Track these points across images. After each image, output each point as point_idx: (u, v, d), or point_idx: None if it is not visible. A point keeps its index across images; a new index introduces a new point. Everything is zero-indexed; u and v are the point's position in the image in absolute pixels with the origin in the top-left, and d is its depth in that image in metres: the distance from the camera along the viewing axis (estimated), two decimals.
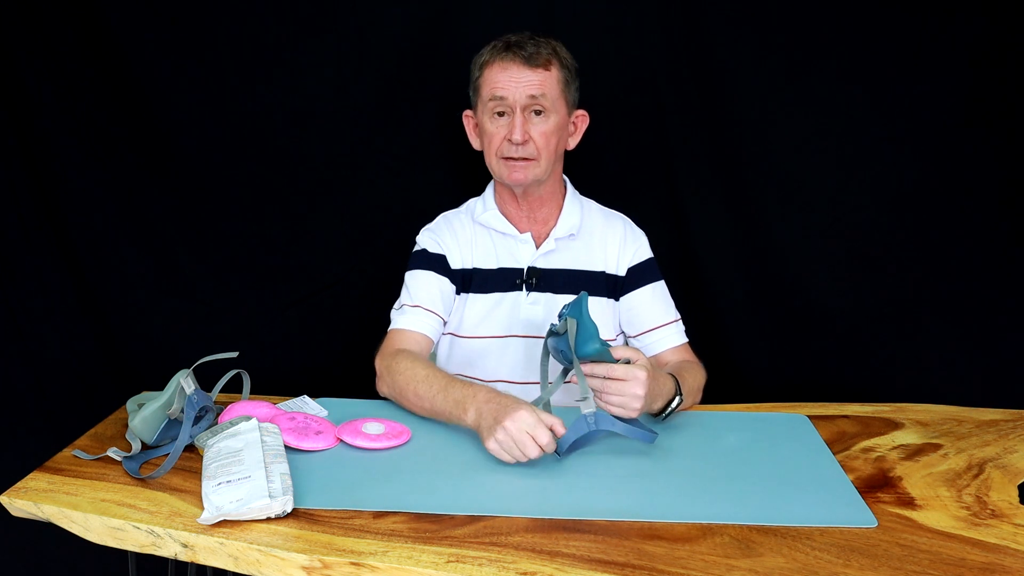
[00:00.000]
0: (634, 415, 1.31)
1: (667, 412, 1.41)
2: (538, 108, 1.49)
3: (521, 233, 1.59)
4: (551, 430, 1.23)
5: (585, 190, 1.68)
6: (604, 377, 1.30)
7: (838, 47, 1.74)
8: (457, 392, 1.36)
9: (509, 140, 1.50)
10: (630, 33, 1.79)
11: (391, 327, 1.57)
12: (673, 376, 1.44)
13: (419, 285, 1.58)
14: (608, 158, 1.83)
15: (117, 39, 1.77)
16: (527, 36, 1.51)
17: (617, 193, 1.73)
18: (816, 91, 1.76)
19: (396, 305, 1.60)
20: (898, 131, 1.76)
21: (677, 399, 1.42)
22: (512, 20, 1.65)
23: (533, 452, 1.23)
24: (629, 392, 1.29)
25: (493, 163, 1.55)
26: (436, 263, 1.60)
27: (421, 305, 1.57)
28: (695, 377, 1.53)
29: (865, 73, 1.74)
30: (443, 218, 1.66)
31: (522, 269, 1.59)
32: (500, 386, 1.48)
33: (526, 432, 1.22)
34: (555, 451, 1.25)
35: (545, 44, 1.50)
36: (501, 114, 1.51)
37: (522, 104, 1.49)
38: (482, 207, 1.63)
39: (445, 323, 1.61)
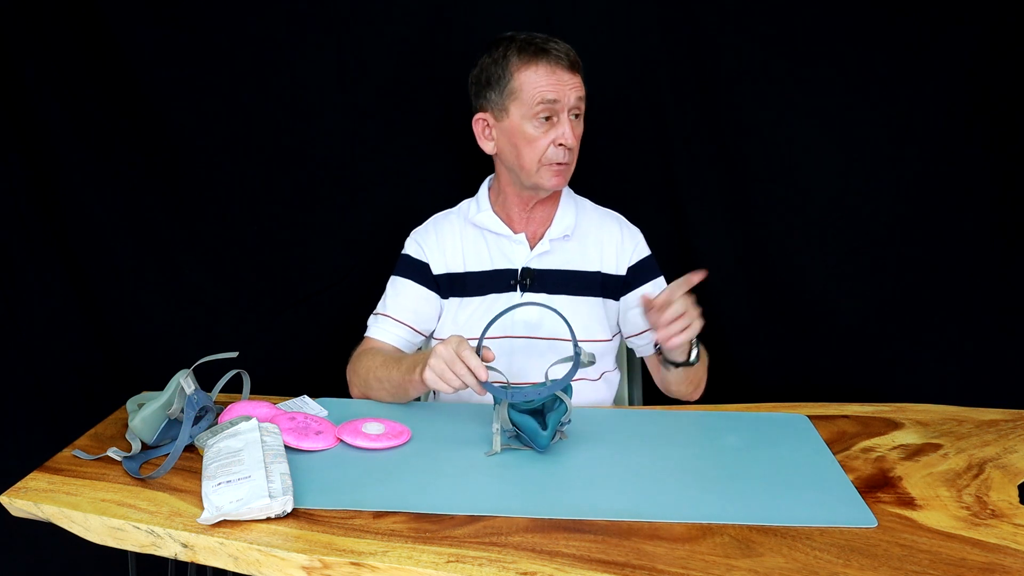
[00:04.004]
0: (699, 326, 1.35)
1: (693, 354, 1.44)
2: (577, 111, 1.50)
3: (515, 233, 1.59)
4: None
5: (585, 190, 1.68)
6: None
7: (839, 47, 1.74)
8: (409, 360, 1.43)
9: (559, 145, 1.48)
10: (630, 32, 1.78)
11: (365, 334, 1.61)
12: None
13: (396, 293, 1.61)
14: (608, 157, 1.83)
15: (117, 39, 1.77)
16: (544, 37, 1.49)
17: (617, 192, 1.73)
18: (817, 90, 1.76)
19: (375, 310, 1.63)
20: (898, 130, 1.76)
21: (696, 349, 1.45)
22: (511, 22, 1.65)
23: (462, 370, 1.28)
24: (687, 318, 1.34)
25: (531, 169, 1.51)
26: (417, 271, 1.61)
27: (391, 315, 1.59)
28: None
29: (866, 72, 1.74)
30: (433, 221, 1.66)
31: (516, 270, 1.59)
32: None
33: (454, 351, 1.29)
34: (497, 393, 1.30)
35: (564, 44, 1.49)
36: (546, 118, 1.48)
37: (570, 107, 1.48)
38: (475, 208, 1.62)
39: (427, 332, 1.63)
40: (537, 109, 1.47)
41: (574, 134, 1.49)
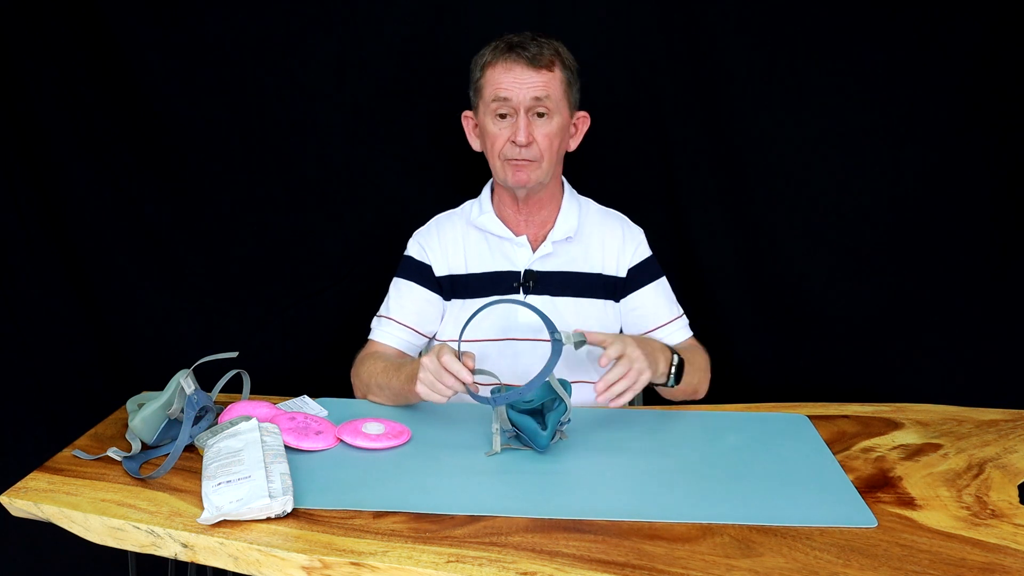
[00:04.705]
0: (649, 372, 1.33)
1: (673, 366, 1.43)
2: (541, 110, 1.48)
3: (517, 236, 1.59)
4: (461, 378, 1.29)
5: (585, 191, 1.68)
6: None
7: (838, 48, 1.74)
8: (408, 369, 1.43)
9: (512, 142, 1.49)
10: (630, 33, 1.78)
11: (369, 336, 1.62)
12: (661, 342, 1.46)
13: (398, 295, 1.61)
14: (608, 159, 1.83)
15: (117, 40, 1.77)
16: (529, 36, 1.49)
17: (617, 194, 1.73)
18: (816, 91, 1.76)
19: (378, 312, 1.63)
20: (898, 131, 1.76)
21: (676, 356, 1.43)
22: (511, 21, 1.64)
23: (449, 379, 1.28)
24: (630, 364, 1.31)
25: (496, 165, 1.54)
26: (420, 273, 1.60)
27: (394, 319, 1.59)
28: (696, 356, 1.55)
29: (865, 74, 1.74)
30: (435, 222, 1.66)
31: (518, 272, 1.59)
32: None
33: (437, 361, 1.29)
34: (486, 396, 1.30)
35: (547, 45, 1.49)
36: (503, 116, 1.50)
37: (526, 106, 1.47)
38: (478, 210, 1.62)
39: (430, 334, 1.63)
40: (492, 106, 1.49)
41: (527, 132, 1.47)
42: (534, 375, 1.42)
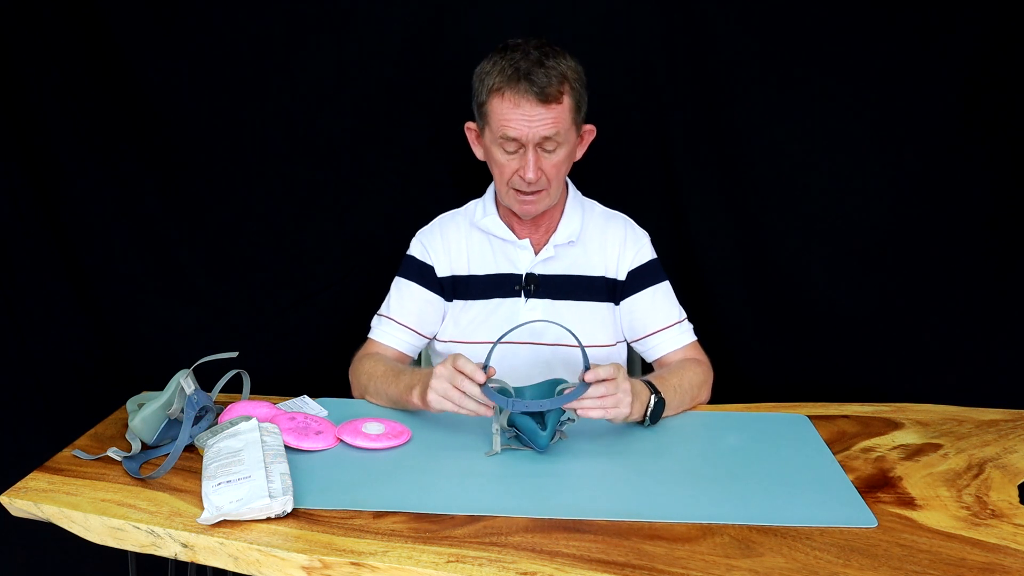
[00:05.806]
0: (627, 410, 1.30)
1: (649, 409, 1.38)
2: (550, 146, 1.45)
3: (520, 239, 1.59)
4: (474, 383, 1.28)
5: (586, 192, 1.68)
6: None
7: (838, 48, 1.74)
8: (407, 378, 1.43)
9: (520, 176, 1.46)
10: (630, 34, 1.78)
11: (369, 335, 1.61)
12: (643, 381, 1.42)
13: (400, 296, 1.60)
14: (609, 160, 1.82)
15: (117, 39, 1.77)
16: (534, 58, 1.41)
17: (618, 195, 1.73)
18: (816, 92, 1.76)
19: (379, 310, 1.62)
20: (897, 131, 1.76)
21: (654, 397, 1.39)
22: (511, 22, 1.65)
23: (464, 383, 1.27)
24: (616, 390, 1.28)
25: (503, 191, 1.51)
26: (422, 273, 1.60)
27: (395, 319, 1.59)
28: (686, 376, 1.50)
29: (865, 74, 1.74)
30: (439, 221, 1.65)
31: (520, 275, 1.58)
32: None
33: (452, 368, 1.28)
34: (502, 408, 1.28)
35: (554, 69, 1.41)
36: (512, 151, 1.46)
37: (535, 143, 1.44)
38: (482, 211, 1.61)
39: (430, 335, 1.62)
40: (500, 141, 1.45)
41: (535, 168, 1.44)
42: (535, 380, 1.42)
